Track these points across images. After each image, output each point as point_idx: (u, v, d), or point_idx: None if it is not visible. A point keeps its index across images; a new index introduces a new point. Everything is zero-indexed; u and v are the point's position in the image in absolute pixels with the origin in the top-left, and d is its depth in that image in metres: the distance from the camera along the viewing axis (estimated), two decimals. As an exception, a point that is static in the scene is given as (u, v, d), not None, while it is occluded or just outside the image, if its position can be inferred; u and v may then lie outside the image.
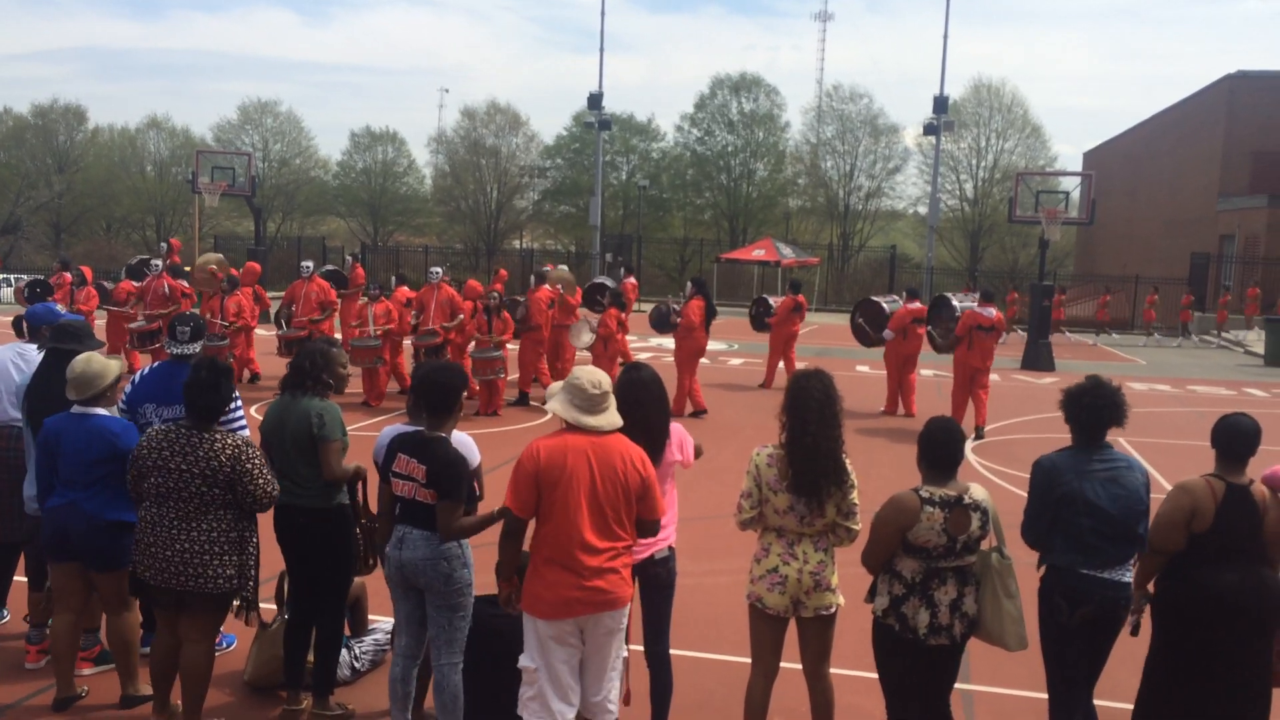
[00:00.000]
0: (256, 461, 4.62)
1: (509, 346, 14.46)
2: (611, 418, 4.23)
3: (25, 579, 5.75)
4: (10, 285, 30.97)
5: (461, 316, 14.22)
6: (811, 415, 4.39)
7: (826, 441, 4.38)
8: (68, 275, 17.21)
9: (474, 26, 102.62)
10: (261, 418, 5.12)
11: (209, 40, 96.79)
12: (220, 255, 19.60)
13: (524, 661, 4.23)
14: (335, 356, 5.14)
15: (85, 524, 4.82)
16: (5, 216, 54.09)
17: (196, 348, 5.38)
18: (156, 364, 5.58)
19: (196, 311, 7.93)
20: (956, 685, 4.50)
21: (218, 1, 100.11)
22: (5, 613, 6.11)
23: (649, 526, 4.25)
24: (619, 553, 4.16)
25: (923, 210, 50.25)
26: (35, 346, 5.79)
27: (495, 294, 14.28)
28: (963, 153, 54.84)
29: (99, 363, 4.99)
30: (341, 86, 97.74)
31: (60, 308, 6.65)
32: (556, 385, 4.33)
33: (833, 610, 4.51)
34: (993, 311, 13.64)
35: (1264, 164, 35.62)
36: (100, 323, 16.03)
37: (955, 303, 15.70)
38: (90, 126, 61.37)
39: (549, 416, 4.41)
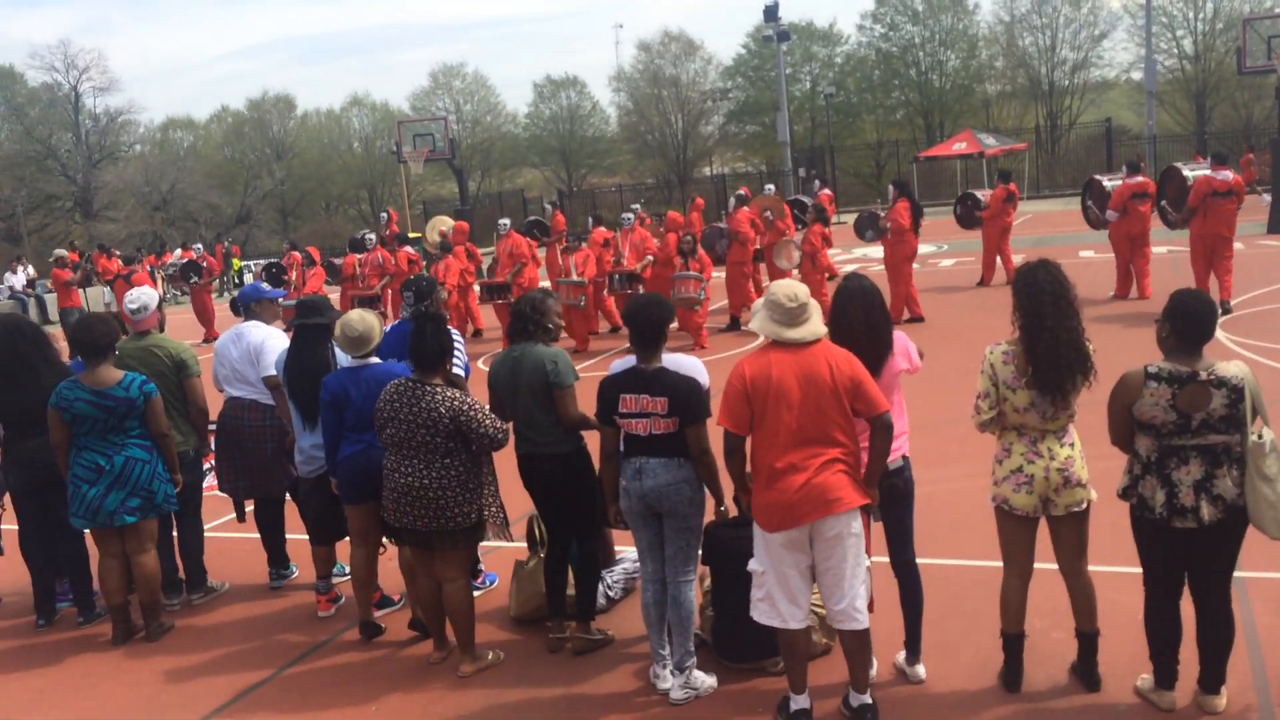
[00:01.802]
0: (476, 408, 4.89)
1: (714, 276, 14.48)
2: (813, 328, 4.20)
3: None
4: (250, 272, 33.57)
5: (651, 256, 14.39)
6: (1046, 307, 4.21)
7: (1066, 332, 4.19)
8: (297, 255, 18.48)
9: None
10: (488, 369, 5.36)
11: (393, 14, 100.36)
12: (447, 218, 20.48)
13: (753, 565, 4.32)
14: (551, 304, 5.32)
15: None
16: (238, 208, 58.38)
17: (424, 308, 5.73)
18: (395, 322, 6.02)
19: (424, 274, 8.41)
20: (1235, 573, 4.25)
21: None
22: (294, 566, 6.74)
23: (880, 424, 4.18)
24: (839, 458, 4.15)
25: (1137, 76, 46.62)
26: (249, 325, 6.42)
27: (690, 236, 14.27)
28: (1176, 6, 50.18)
29: (369, 320, 5.43)
30: (520, 38, 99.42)
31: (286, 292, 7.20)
32: (759, 302, 4.34)
33: (1085, 506, 4.34)
34: (1229, 175, 12.55)
35: None
36: (334, 296, 17.18)
37: (1186, 172, 14.54)
38: (299, 112, 65.21)
39: (761, 339, 4.42)
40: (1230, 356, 4.59)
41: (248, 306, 6.58)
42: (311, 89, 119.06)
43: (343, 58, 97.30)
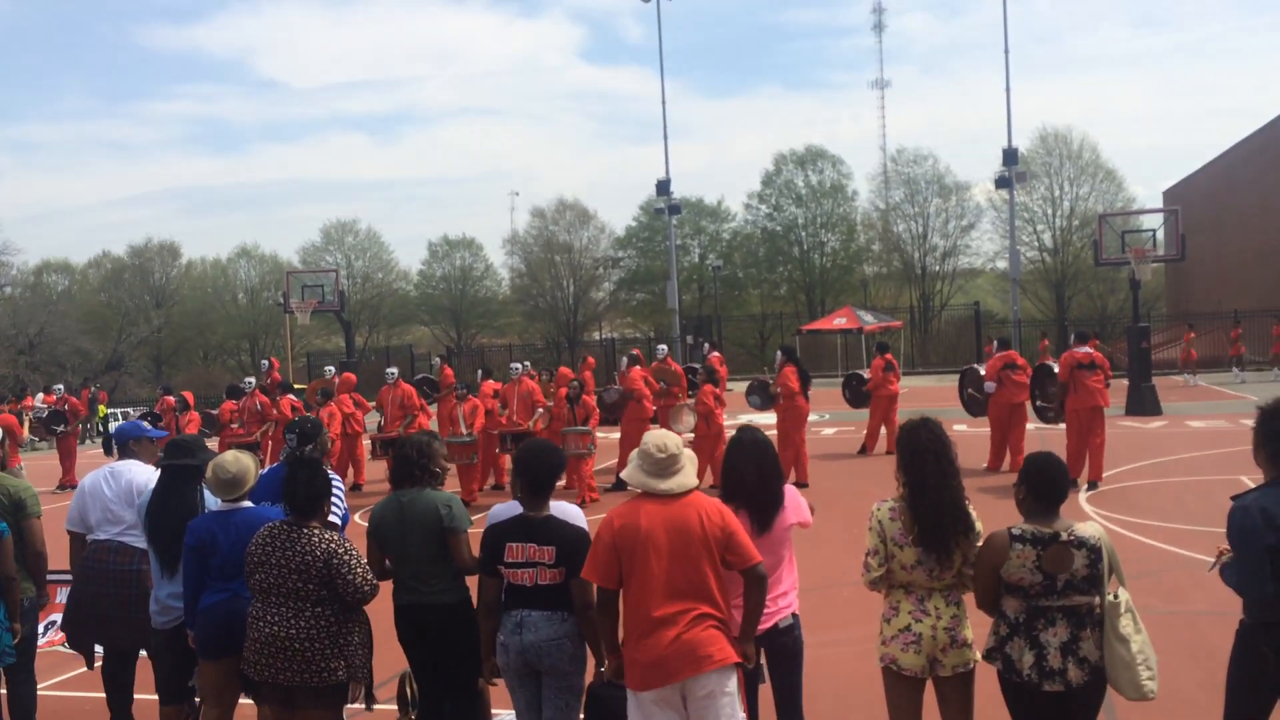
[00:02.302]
0: (352, 556, 4.67)
1: (598, 434, 14.48)
2: (683, 480, 4.18)
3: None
4: (117, 419, 32.22)
5: (541, 410, 14.40)
6: (929, 465, 4.28)
7: (948, 491, 4.26)
8: (170, 399, 17.83)
9: (536, 129, 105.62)
10: (371, 513, 5.15)
11: (288, 169, 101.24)
12: (331, 369, 20.18)
13: None
14: (437, 448, 5.20)
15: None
16: (109, 354, 56.48)
17: (306, 451, 5.53)
18: (272, 466, 5.74)
19: (310, 416, 8.18)
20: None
21: (293, 132, 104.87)
22: (137, 729, 6.18)
23: (752, 576, 4.11)
24: (710, 614, 4.06)
25: (1002, 265, 49.54)
26: (124, 464, 6.01)
27: (577, 382, 14.36)
28: (1037, 203, 54.13)
29: (244, 462, 5.19)
30: (416, 199, 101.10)
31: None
32: (632, 453, 4.31)
33: (971, 666, 4.32)
34: (1090, 349, 13.25)
35: (1357, 182, 34.39)
36: (211, 444, 16.52)
37: (1055, 365, 15.34)
38: (184, 261, 64.28)
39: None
40: (1085, 518, 4.71)
41: (125, 445, 6.20)
42: (199, 239, 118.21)
43: (234, 210, 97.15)
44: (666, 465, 4.16)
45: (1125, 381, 23.54)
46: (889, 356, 17.17)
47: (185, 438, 5.90)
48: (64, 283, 63.48)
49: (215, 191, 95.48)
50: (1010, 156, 38.11)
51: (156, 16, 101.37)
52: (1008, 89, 40.33)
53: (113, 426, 30.04)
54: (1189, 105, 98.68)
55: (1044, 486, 4.15)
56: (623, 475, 4.36)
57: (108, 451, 6.74)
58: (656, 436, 4.24)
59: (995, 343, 15.85)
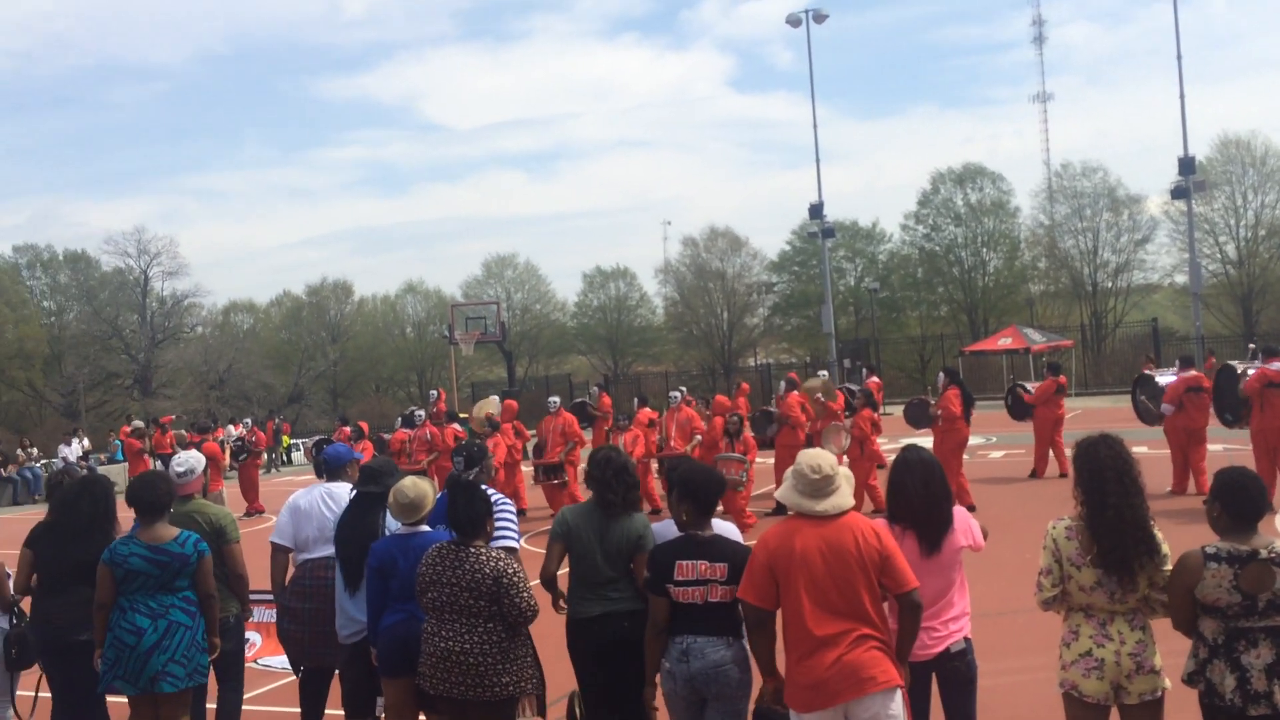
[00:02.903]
0: (519, 578, 4.83)
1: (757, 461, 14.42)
2: (838, 500, 4.13)
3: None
4: (299, 449, 34.02)
5: (699, 436, 14.41)
6: (1110, 483, 4.12)
7: (1130, 510, 4.09)
8: (346, 429, 18.74)
9: (687, 158, 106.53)
10: (562, 517, 5.28)
11: (450, 207, 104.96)
12: (496, 399, 20.81)
13: None
14: (631, 465, 5.32)
15: None
16: (290, 388, 59.70)
17: (472, 474, 5.73)
18: (443, 492, 5.97)
19: (475, 440, 8.46)
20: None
21: (456, 171, 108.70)
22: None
23: (907, 603, 4.04)
24: (871, 635, 4.00)
25: (1181, 279, 46.99)
26: (338, 485, 6.33)
27: (736, 417, 14.31)
28: (1218, 214, 51.08)
29: (421, 487, 5.44)
30: (571, 232, 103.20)
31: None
32: (786, 473, 4.28)
33: (1159, 694, 4.13)
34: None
35: None
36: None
37: (1239, 369, 14.44)
38: (356, 298, 67.48)
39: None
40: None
41: (339, 468, 6.49)
42: (369, 277, 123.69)
43: (400, 248, 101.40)
44: (821, 486, 4.13)
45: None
46: (1061, 379, 16.52)
47: (377, 462, 6.22)
48: (249, 321, 67.51)
49: (383, 231, 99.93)
50: (1187, 165, 36.26)
51: (330, 69, 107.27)
52: (1181, 96, 38.19)
53: (296, 457, 31.55)
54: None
55: (1240, 502, 3.94)
56: (777, 495, 4.38)
57: (319, 474, 7.11)
58: (810, 456, 4.22)
59: (1179, 360, 14.99)
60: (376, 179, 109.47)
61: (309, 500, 6.34)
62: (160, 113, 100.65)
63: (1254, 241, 50.35)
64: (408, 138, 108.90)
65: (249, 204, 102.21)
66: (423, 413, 18.43)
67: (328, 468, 6.61)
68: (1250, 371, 13.17)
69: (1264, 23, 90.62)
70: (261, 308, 68.93)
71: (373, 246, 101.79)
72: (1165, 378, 15.41)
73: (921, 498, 4.45)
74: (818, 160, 42.10)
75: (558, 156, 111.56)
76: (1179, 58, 35.74)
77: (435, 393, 21.04)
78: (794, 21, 41.66)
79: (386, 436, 19.13)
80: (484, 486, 5.41)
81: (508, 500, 5.69)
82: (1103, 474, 4.15)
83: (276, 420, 35.18)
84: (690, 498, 4.68)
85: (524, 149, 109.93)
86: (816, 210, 42.15)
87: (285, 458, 33.87)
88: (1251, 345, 16.70)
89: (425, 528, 5.43)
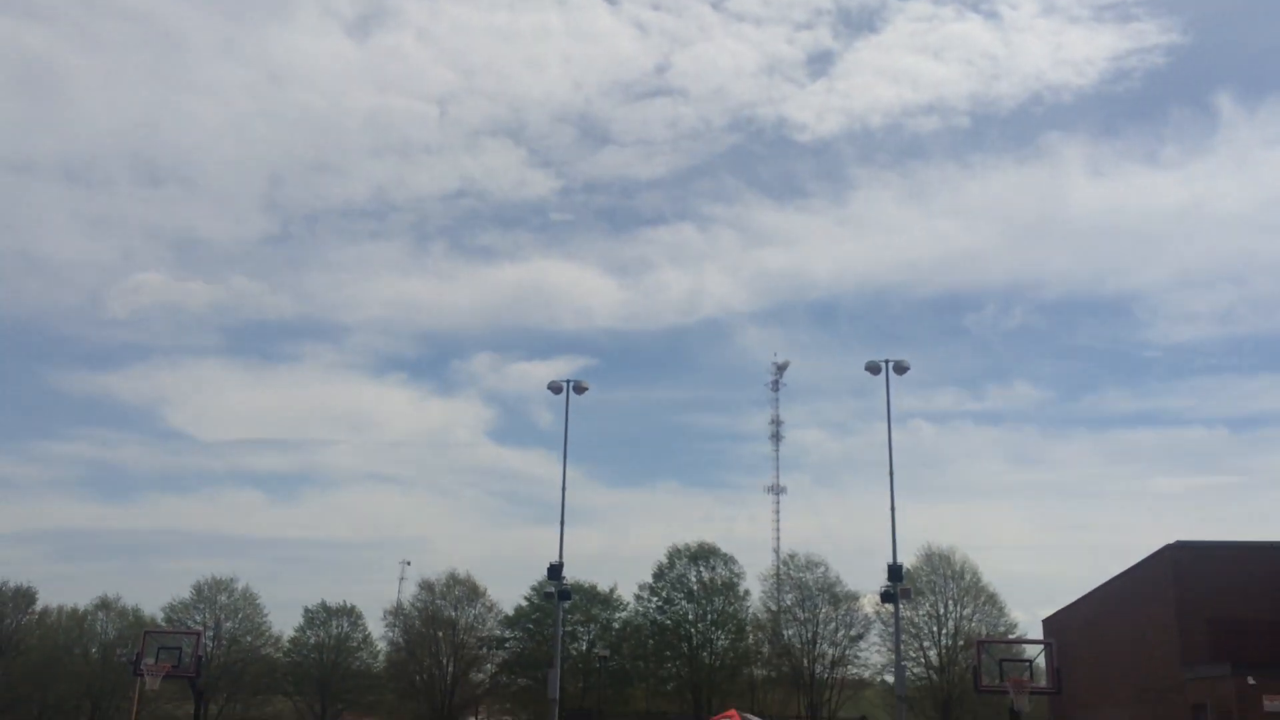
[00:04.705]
0: None
1: None
2: None
3: None
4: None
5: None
6: None
7: None
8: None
9: (438, 500, 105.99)
10: None
11: (174, 520, 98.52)
12: None
13: None
14: None
15: None
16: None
17: None
18: None
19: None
20: None
21: (190, 483, 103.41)
22: None
23: None
24: None
25: (889, 679, 49.16)
26: None
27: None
28: (922, 619, 54.86)
29: None
30: (303, 561, 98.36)
31: None
32: None
33: None
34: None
35: (1221, 631, 35.57)
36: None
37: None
38: (39, 607, 60.27)
39: None
40: None
41: None
42: (61, 584, 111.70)
43: (105, 558, 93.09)
44: None
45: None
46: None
47: None
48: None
49: (89, 536, 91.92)
50: (895, 573, 39.01)
51: (74, 361, 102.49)
52: (893, 508, 41.62)
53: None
54: (1064, 538, 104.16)
55: None
56: None
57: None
58: None
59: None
60: (98, 480, 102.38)
61: None
62: None
63: (953, 650, 53.85)
64: (143, 441, 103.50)
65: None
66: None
67: None
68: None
69: (967, 453, 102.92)
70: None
71: (73, 552, 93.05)
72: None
73: None
74: (562, 522, 42.64)
75: (303, 481, 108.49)
76: (891, 473, 39.48)
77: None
78: (555, 389, 43.64)
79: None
80: None
81: None
82: None
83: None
84: None
85: (269, 468, 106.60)
86: (555, 571, 42.00)
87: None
88: None
89: None
